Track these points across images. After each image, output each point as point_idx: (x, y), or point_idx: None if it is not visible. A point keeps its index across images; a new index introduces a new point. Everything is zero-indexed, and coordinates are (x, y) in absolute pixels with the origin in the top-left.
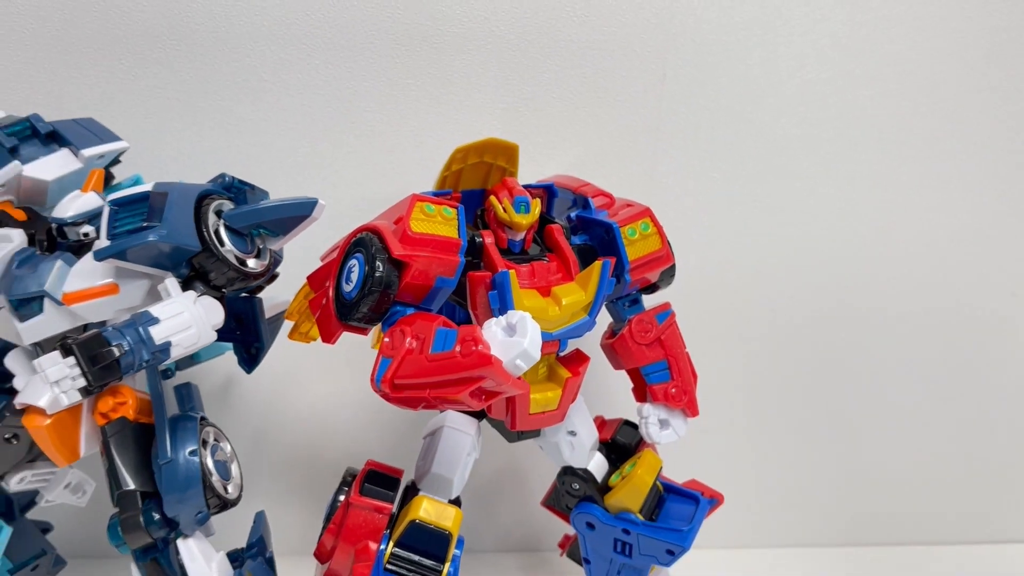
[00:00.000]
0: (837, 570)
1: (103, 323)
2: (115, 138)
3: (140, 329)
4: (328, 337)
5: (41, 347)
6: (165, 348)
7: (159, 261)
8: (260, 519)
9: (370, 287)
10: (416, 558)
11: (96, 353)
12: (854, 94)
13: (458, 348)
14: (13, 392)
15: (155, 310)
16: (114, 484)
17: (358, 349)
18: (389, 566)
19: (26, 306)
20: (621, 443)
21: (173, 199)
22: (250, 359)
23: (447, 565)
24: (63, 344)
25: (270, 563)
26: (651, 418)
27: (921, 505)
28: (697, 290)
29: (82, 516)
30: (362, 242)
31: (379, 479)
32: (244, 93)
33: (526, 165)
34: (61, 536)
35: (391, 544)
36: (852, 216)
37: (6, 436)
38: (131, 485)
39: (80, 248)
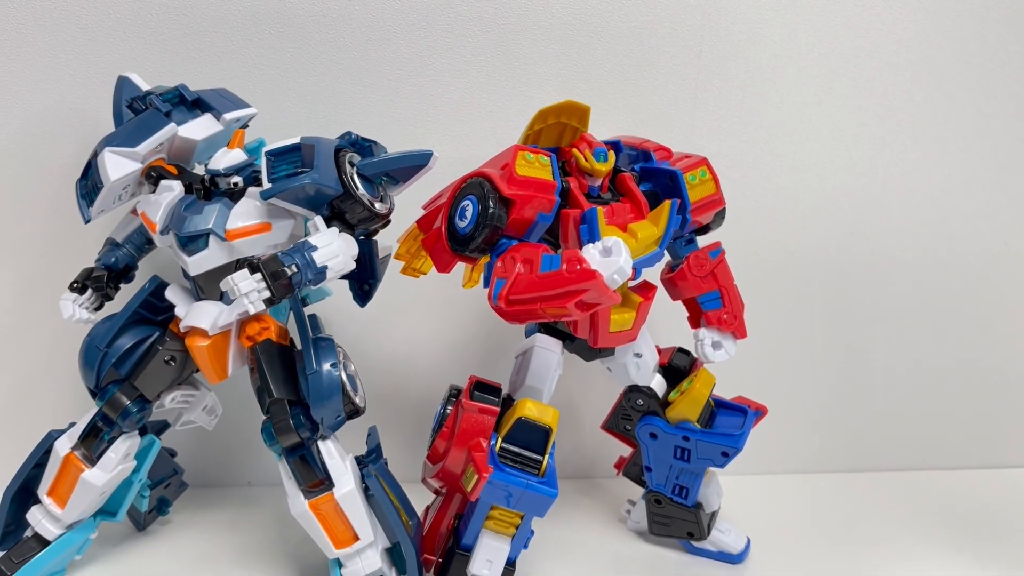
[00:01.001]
0: (841, 494)
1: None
2: (246, 105)
3: (306, 254)
4: (444, 268)
5: (200, 287)
6: (323, 271)
7: (308, 202)
8: (373, 432)
9: (484, 223)
10: (521, 451)
11: (276, 271)
12: (861, 65)
13: (564, 266)
14: (168, 321)
15: (312, 240)
16: (267, 394)
17: (433, 299)
18: (500, 456)
19: (193, 242)
20: (676, 366)
21: (319, 150)
22: (363, 295)
23: (546, 456)
24: (250, 263)
25: (386, 467)
26: (706, 340)
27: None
28: (733, 234)
29: (199, 448)
30: (473, 185)
31: (484, 388)
32: (338, 70)
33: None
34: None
35: (499, 440)
36: (860, 171)
37: (166, 358)
38: (280, 394)
39: (231, 195)
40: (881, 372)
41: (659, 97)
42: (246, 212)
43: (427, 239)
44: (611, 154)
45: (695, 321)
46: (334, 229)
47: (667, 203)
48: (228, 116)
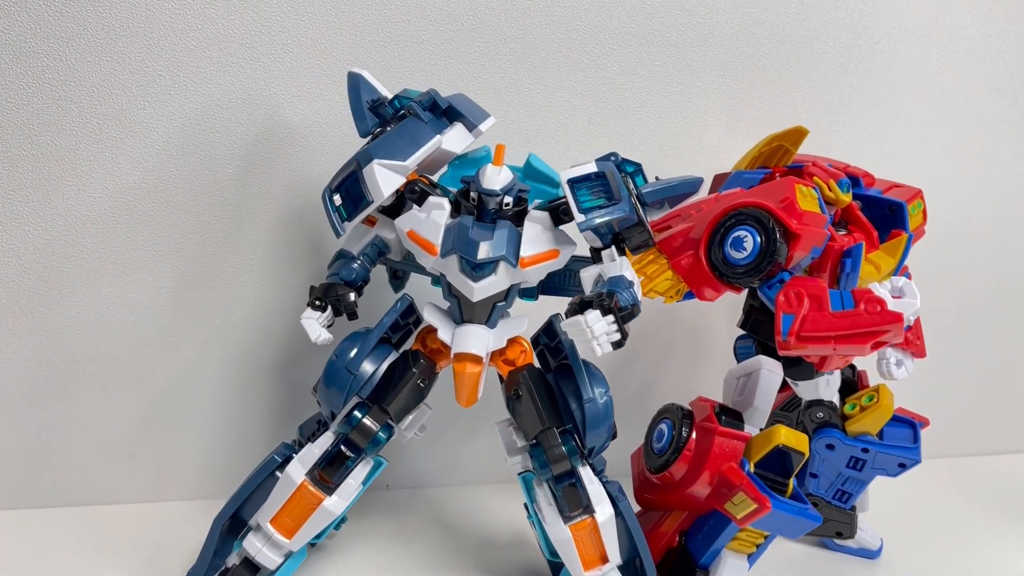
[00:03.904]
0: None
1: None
2: (487, 113)
3: (633, 291)
4: (704, 295)
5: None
6: (639, 305)
7: (601, 230)
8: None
9: (770, 257)
10: (769, 475)
11: (628, 312)
12: (983, 89)
13: (863, 307)
14: (402, 340)
15: (625, 273)
16: (537, 422)
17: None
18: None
19: (482, 268)
20: (845, 379)
21: (618, 178)
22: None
23: (792, 480)
24: (600, 304)
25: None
26: (891, 358)
27: None
28: None
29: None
30: (751, 216)
31: (727, 412)
32: (518, 71)
33: (742, 139)
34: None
35: (751, 465)
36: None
37: (419, 381)
38: (551, 422)
39: (502, 216)
40: None
41: (804, 110)
42: (536, 238)
43: (680, 264)
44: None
45: None
46: (625, 259)
47: (904, 236)
48: (483, 127)
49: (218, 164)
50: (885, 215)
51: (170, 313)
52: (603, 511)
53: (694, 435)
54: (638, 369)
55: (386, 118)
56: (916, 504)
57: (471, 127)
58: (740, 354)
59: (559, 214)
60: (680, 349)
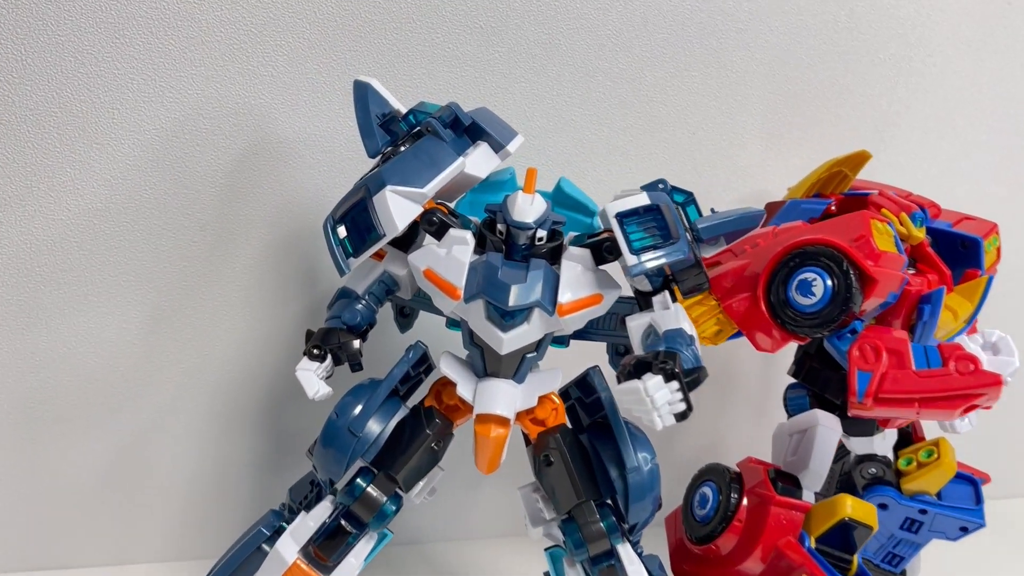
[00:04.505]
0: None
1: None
2: (514, 131)
3: (694, 347)
4: (762, 344)
5: (485, 360)
6: (704, 368)
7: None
8: None
9: (844, 304)
10: (831, 550)
11: (695, 377)
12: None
13: (953, 366)
14: (410, 393)
15: (684, 326)
16: (567, 494)
17: None
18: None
19: (512, 316)
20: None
21: (673, 214)
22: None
23: (856, 555)
24: (663, 368)
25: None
26: None
27: None
28: None
29: None
30: (822, 255)
31: (783, 477)
32: (547, 75)
33: (779, 160)
34: None
35: (811, 540)
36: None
37: (433, 444)
38: (588, 495)
39: (535, 253)
40: None
41: (848, 127)
42: (576, 280)
43: (732, 307)
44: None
45: None
46: (680, 307)
47: (984, 278)
48: (511, 147)
49: (199, 182)
50: (956, 252)
51: (141, 352)
52: None
53: (744, 502)
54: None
55: (399, 136)
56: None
57: (498, 147)
58: (792, 407)
59: (602, 252)
60: (715, 396)
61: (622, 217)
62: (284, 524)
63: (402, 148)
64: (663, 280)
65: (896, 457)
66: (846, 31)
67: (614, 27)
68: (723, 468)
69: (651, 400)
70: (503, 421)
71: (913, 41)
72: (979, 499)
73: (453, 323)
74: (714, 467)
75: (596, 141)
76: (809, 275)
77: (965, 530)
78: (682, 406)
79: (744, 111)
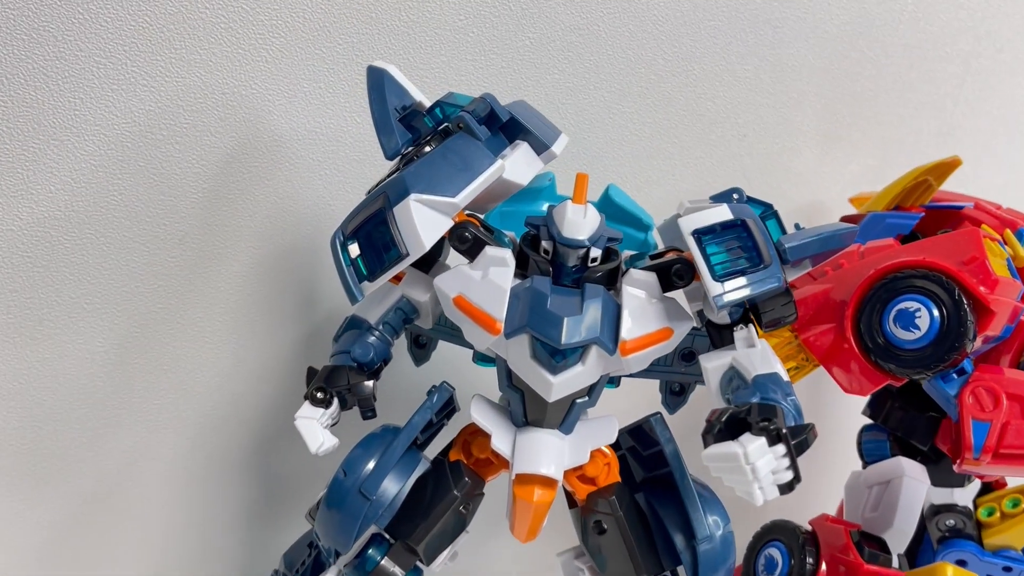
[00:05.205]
0: None
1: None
2: (557, 129)
3: (796, 399)
4: (847, 385)
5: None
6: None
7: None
8: None
9: (956, 339)
10: None
11: (803, 439)
12: None
13: None
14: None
15: (782, 372)
16: (623, 568)
17: None
18: None
19: (564, 355)
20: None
21: (762, 232)
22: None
23: None
24: (765, 429)
25: None
26: None
27: None
28: None
29: None
30: (934, 282)
31: (869, 539)
32: (605, 88)
33: (835, 164)
34: None
35: None
36: None
37: (461, 508)
38: (650, 569)
39: (588, 277)
40: None
41: (911, 129)
42: (642, 311)
43: (812, 341)
44: None
45: None
46: (767, 345)
47: None
48: (556, 148)
49: (178, 186)
50: None
51: (107, 387)
52: None
53: (823, 568)
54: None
55: (422, 133)
56: None
57: (541, 148)
58: (868, 453)
59: (671, 276)
60: None
61: (700, 235)
62: None
63: (426, 148)
64: (743, 310)
65: (976, 507)
66: (911, 23)
67: (659, 13)
68: (793, 526)
69: (752, 469)
70: (549, 482)
71: (983, 35)
72: None
73: (483, 357)
74: (782, 524)
75: (635, 142)
76: (911, 304)
77: None
78: (788, 475)
79: (799, 110)
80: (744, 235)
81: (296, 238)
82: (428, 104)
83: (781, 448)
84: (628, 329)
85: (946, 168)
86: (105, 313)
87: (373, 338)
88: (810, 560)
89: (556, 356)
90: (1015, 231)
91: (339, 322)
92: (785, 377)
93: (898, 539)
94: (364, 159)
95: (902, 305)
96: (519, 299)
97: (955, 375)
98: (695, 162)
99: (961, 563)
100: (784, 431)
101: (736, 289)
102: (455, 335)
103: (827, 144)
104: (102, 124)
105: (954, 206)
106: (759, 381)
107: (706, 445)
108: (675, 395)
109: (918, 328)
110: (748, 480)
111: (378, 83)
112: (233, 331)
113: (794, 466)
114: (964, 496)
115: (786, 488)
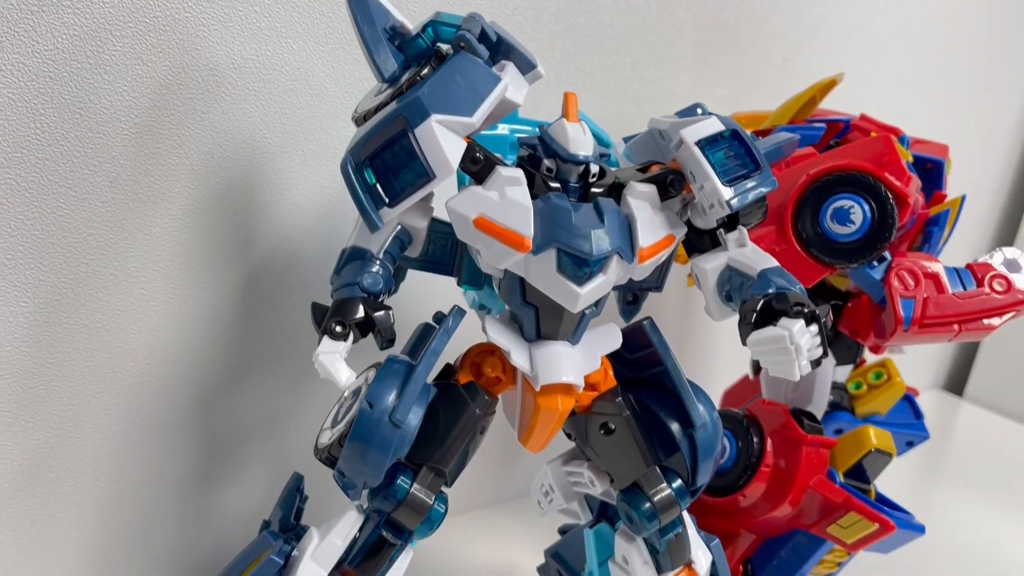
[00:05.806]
0: None
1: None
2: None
3: (800, 286)
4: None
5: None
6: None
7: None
8: None
9: (886, 231)
10: (853, 483)
11: (822, 320)
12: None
13: (988, 285)
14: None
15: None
16: (633, 463)
17: None
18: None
19: (588, 267)
20: None
21: (750, 140)
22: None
23: (873, 484)
24: (802, 312)
25: None
26: None
27: None
28: None
29: None
30: (861, 183)
31: (804, 415)
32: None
33: (708, 87)
34: None
35: (840, 475)
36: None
37: (481, 429)
38: (655, 460)
39: (582, 192)
40: None
41: (760, 53)
42: (651, 221)
43: (757, 245)
44: None
45: None
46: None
47: (957, 198)
48: (541, 69)
49: (107, 122)
50: (920, 174)
51: (33, 350)
52: (703, 560)
53: (769, 446)
54: None
55: (412, 55)
56: None
57: (526, 68)
58: None
59: (667, 187)
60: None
61: (703, 145)
62: (292, 547)
63: (426, 71)
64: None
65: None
66: None
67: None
68: (734, 413)
69: (796, 348)
70: (570, 390)
71: None
72: (918, 414)
73: (471, 281)
74: (724, 413)
75: (547, 68)
76: (845, 202)
77: (911, 444)
78: (820, 351)
79: (680, 37)
80: (736, 143)
81: (232, 175)
82: (409, 25)
83: (815, 328)
84: (644, 237)
85: (828, 86)
86: (28, 269)
87: (377, 267)
88: (756, 440)
89: (583, 268)
90: (898, 138)
91: (276, 264)
92: (783, 269)
93: (818, 412)
94: (301, 88)
95: (837, 204)
96: (540, 216)
97: (877, 262)
98: (594, 87)
99: (838, 432)
100: (817, 312)
101: (745, 191)
102: (432, 263)
103: (702, 69)
104: (20, 52)
105: (843, 119)
106: (767, 274)
107: (744, 334)
108: (630, 304)
109: (853, 223)
110: (791, 359)
111: (362, 4)
112: (169, 280)
113: (824, 343)
114: (844, 375)
115: (815, 364)
